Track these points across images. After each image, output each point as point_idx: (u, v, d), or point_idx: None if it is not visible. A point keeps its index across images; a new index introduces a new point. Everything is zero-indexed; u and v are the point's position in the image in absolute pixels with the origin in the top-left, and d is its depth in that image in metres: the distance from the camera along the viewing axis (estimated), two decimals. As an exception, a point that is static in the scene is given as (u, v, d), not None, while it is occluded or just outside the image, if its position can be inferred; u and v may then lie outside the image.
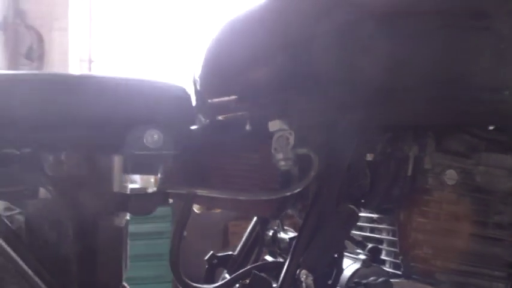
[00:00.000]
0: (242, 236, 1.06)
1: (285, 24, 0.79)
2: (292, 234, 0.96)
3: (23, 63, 3.87)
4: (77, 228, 0.70)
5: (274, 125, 0.73)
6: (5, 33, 3.84)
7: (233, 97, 0.75)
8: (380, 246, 0.93)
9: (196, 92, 0.79)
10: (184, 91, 0.76)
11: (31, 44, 3.88)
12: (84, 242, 0.70)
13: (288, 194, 0.78)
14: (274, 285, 0.74)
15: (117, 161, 0.73)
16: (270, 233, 1.01)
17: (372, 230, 0.98)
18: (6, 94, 0.65)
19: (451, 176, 0.82)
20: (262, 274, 0.74)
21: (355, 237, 0.97)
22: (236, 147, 0.79)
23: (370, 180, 0.86)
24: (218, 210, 0.97)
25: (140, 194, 0.77)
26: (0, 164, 0.69)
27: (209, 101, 0.78)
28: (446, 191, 0.82)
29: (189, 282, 0.78)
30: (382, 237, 0.93)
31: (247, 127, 0.76)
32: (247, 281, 0.74)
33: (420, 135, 0.84)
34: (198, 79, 0.79)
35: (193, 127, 0.79)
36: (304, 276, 0.68)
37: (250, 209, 0.86)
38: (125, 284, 0.83)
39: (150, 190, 0.77)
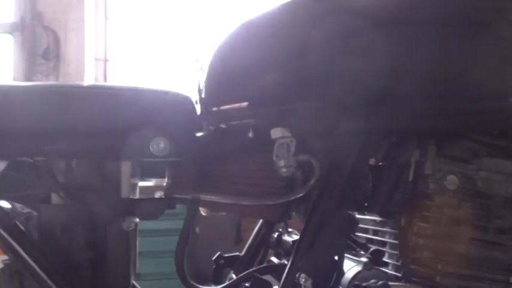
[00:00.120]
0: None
1: (286, 34, 0.80)
2: (295, 236, 0.98)
3: (39, 62, 3.94)
4: (87, 232, 0.73)
5: (276, 133, 0.75)
6: (22, 34, 3.92)
7: (244, 103, 0.77)
8: (383, 249, 0.95)
9: (201, 100, 0.81)
10: (189, 100, 0.79)
11: (48, 44, 3.95)
12: (93, 246, 0.74)
13: (291, 199, 0.80)
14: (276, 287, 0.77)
15: (125, 167, 0.77)
16: (276, 235, 1.03)
17: (376, 233, 0.99)
18: (20, 106, 0.69)
19: (451, 181, 0.83)
20: (263, 277, 0.76)
21: (358, 239, 0.99)
22: (240, 153, 0.82)
23: (373, 185, 0.87)
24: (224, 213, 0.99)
25: (147, 199, 0.80)
26: (16, 170, 0.73)
27: (215, 108, 0.80)
28: (447, 196, 0.83)
29: (194, 283, 0.81)
30: (385, 239, 0.95)
31: (250, 134, 0.78)
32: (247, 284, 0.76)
33: (421, 140, 0.85)
34: (203, 88, 0.81)
35: (198, 134, 0.81)
36: (303, 280, 0.70)
37: (255, 213, 0.88)
38: (134, 282, 0.87)
39: (157, 195, 0.80)
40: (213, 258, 1.06)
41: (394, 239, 0.91)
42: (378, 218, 0.95)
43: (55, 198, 0.74)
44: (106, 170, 0.75)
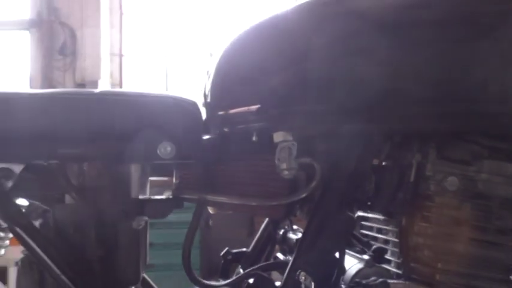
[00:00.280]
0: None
1: (291, 37, 0.82)
2: (300, 234, 1.01)
3: (56, 58, 4.02)
4: (98, 231, 0.77)
5: (278, 136, 0.78)
6: (39, 30, 4.00)
7: (248, 108, 0.79)
8: (386, 247, 0.97)
9: (207, 105, 0.84)
10: (194, 105, 0.82)
11: (64, 40, 4.02)
12: (105, 244, 0.78)
13: (293, 200, 0.83)
14: (279, 284, 0.80)
15: (134, 169, 0.81)
16: (281, 232, 1.07)
17: (380, 231, 1.01)
18: (34, 113, 0.73)
19: (452, 182, 0.84)
20: (266, 274, 0.80)
21: (361, 237, 1.01)
22: (245, 156, 0.84)
23: (375, 185, 0.89)
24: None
25: (156, 199, 0.84)
26: (31, 172, 0.77)
27: (220, 112, 0.83)
28: (447, 196, 0.84)
29: (201, 279, 0.85)
30: (388, 238, 0.97)
31: (254, 138, 0.81)
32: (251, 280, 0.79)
33: (423, 142, 0.86)
34: (208, 92, 0.84)
35: (205, 137, 0.84)
36: (303, 278, 0.73)
37: (260, 212, 0.91)
38: (144, 275, 0.91)
39: (165, 195, 0.84)
40: (221, 254, 1.10)
41: (396, 238, 0.93)
42: (381, 217, 0.97)
43: (68, 199, 0.79)
44: (116, 172, 0.79)
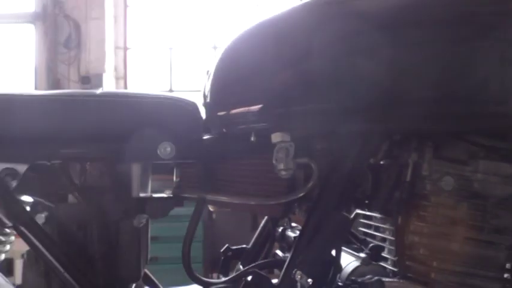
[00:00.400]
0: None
1: (292, 37, 0.83)
2: (298, 232, 1.02)
3: (61, 51, 4.04)
4: (100, 229, 0.79)
5: (276, 137, 0.79)
6: (44, 23, 4.02)
7: (257, 107, 0.80)
8: (383, 245, 0.98)
9: (206, 105, 0.85)
10: (194, 105, 0.84)
11: (69, 33, 4.03)
12: (106, 242, 0.80)
13: (291, 199, 0.84)
14: (275, 281, 0.82)
15: (135, 169, 0.82)
16: (280, 229, 1.08)
17: (377, 229, 1.03)
18: (37, 115, 0.75)
19: (447, 182, 0.86)
20: (263, 272, 0.81)
21: (359, 235, 1.03)
22: (244, 156, 0.86)
23: (372, 183, 0.90)
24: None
25: (157, 198, 0.86)
26: (35, 172, 0.80)
27: (219, 113, 0.84)
28: (443, 196, 0.85)
29: (199, 276, 0.87)
30: (386, 236, 0.98)
31: (253, 138, 0.83)
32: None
33: (419, 142, 0.87)
34: (208, 92, 0.85)
35: (205, 137, 0.86)
36: (299, 277, 0.75)
37: (259, 211, 0.93)
38: (145, 270, 0.93)
39: (166, 194, 0.86)
40: (221, 250, 1.12)
41: (393, 236, 0.94)
42: (379, 215, 0.99)
43: (71, 198, 0.81)
44: (117, 171, 0.81)
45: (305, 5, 0.84)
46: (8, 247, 0.96)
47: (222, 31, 4.28)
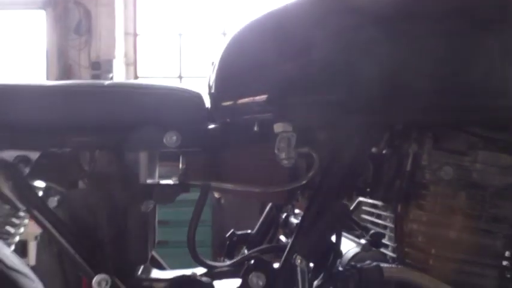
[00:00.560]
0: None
1: (295, 31, 0.84)
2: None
3: (72, 38, 4.06)
4: (109, 214, 0.83)
5: (278, 127, 0.81)
6: (54, 10, 4.04)
7: (263, 96, 0.82)
8: (383, 232, 1.01)
9: (210, 95, 0.88)
10: (199, 96, 0.86)
11: (79, 19, 4.05)
12: (115, 226, 0.83)
13: (293, 187, 0.87)
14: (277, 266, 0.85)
15: (142, 157, 0.86)
16: (284, 216, 1.11)
17: (379, 217, 1.05)
18: (50, 105, 0.78)
19: (447, 172, 0.87)
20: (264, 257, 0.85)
21: (360, 222, 1.05)
22: (247, 145, 0.88)
23: (374, 172, 0.93)
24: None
25: (163, 185, 0.89)
26: (47, 159, 0.83)
27: (224, 103, 0.86)
28: (442, 185, 0.87)
29: (204, 260, 0.90)
30: (386, 224, 1.01)
31: (256, 128, 0.85)
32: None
33: (420, 133, 0.89)
34: (213, 83, 0.87)
35: (210, 126, 0.88)
36: (299, 261, 0.78)
37: (263, 198, 0.96)
38: (153, 253, 0.97)
39: (172, 181, 0.89)
40: (227, 235, 1.15)
41: (393, 223, 0.97)
42: (380, 203, 1.01)
43: (81, 184, 0.84)
44: (125, 159, 0.84)
45: None
46: (22, 230, 1.00)
47: (232, 17, 4.28)
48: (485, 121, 0.85)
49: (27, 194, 0.80)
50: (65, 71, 4.03)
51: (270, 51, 0.83)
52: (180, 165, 0.90)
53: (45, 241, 0.87)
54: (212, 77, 0.87)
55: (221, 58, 0.87)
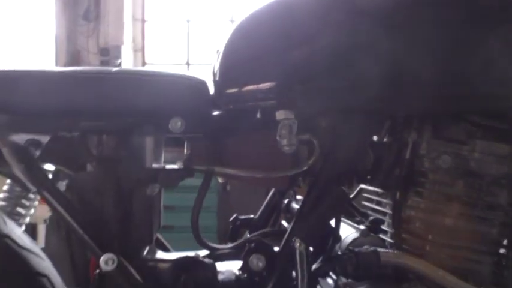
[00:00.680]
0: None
1: (296, 19, 0.85)
2: (302, 204, 1.07)
3: (80, 24, 4.09)
4: (116, 196, 0.86)
5: (280, 115, 0.83)
6: (63, -4, 4.05)
7: (267, 84, 0.83)
8: (383, 218, 1.03)
9: (215, 83, 0.90)
10: (203, 83, 0.88)
11: (88, 5, 4.07)
12: (121, 208, 0.87)
13: (295, 173, 0.89)
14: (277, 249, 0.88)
15: (148, 142, 0.88)
16: (286, 201, 1.14)
17: (379, 203, 1.07)
18: (60, 90, 0.81)
19: (445, 160, 0.89)
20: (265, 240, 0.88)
21: (360, 208, 1.08)
22: (250, 131, 0.91)
23: (374, 160, 0.95)
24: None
25: (168, 169, 0.92)
26: (57, 142, 0.86)
27: (228, 90, 0.88)
28: (440, 174, 0.89)
29: (207, 242, 0.93)
30: (386, 210, 1.03)
31: (258, 115, 0.87)
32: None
33: (420, 122, 0.91)
34: (217, 70, 0.89)
35: (214, 113, 0.91)
36: (298, 244, 0.80)
37: (265, 183, 0.98)
38: (158, 235, 1.00)
39: (177, 166, 0.92)
40: (230, 220, 1.18)
41: (392, 210, 0.99)
42: (380, 190, 1.03)
43: (89, 167, 0.87)
44: (132, 143, 0.87)
45: None
46: (32, 211, 1.04)
47: (240, 4, 4.27)
48: (485, 110, 0.87)
49: (38, 176, 0.83)
50: (74, 57, 4.06)
51: (275, 39, 0.84)
52: (185, 151, 0.93)
53: (53, 224, 0.90)
54: (217, 64, 0.89)
55: (226, 46, 0.88)
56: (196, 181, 0.92)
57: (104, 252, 0.81)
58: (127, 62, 4.22)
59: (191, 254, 0.92)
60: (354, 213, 1.08)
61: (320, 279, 0.94)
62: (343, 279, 0.87)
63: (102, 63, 4.00)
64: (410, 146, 0.91)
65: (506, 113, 0.88)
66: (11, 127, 0.82)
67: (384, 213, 1.03)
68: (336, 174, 0.89)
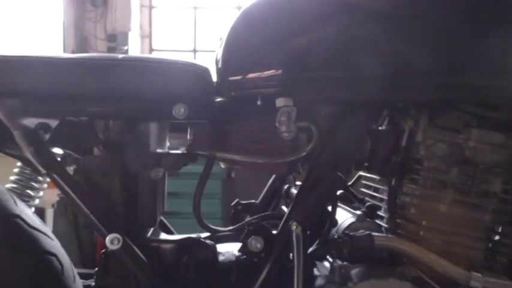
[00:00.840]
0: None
1: (300, 8, 0.87)
2: (300, 189, 1.10)
3: (88, 9, 4.11)
4: (121, 179, 0.90)
5: (279, 102, 0.86)
6: (72, -19, 4.07)
7: (269, 72, 0.84)
8: (379, 204, 1.06)
9: (218, 70, 0.92)
10: (206, 71, 0.91)
11: (96, -10, 4.08)
12: (126, 190, 0.90)
13: (294, 158, 0.92)
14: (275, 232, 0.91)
15: (152, 127, 0.92)
16: (286, 187, 1.17)
17: (376, 190, 1.10)
18: (68, 76, 0.85)
19: (440, 148, 0.92)
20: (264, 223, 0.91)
21: (357, 194, 1.10)
22: (251, 118, 0.93)
23: (371, 147, 0.97)
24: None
25: (172, 154, 0.95)
26: (65, 127, 0.90)
27: (230, 78, 0.91)
28: (435, 161, 0.91)
29: (209, 225, 0.97)
30: (383, 197, 1.05)
31: (259, 102, 0.90)
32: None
33: (416, 110, 0.93)
34: (220, 58, 0.92)
35: (217, 100, 0.94)
36: (294, 227, 0.84)
37: (265, 168, 1.01)
38: (162, 218, 1.04)
39: (181, 150, 0.95)
40: (232, 204, 1.22)
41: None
42: (377, 177, 1.06)
43: (96, 151, 0.91)
44: (137, 128, 0.91)
45: None
46: (41, 193, 1.08)
47: (247, -8, 4.25)
48: (479, 100, 0.89)
49: (47, 158, 0.86)
50: (81, 43, 4.08)
51: (277, 28, 0.86)
52: (188, 136, 0.96)
53: (61, 209, 0.94)
54: (220, 52, 0.92)
55: (229, 34, 0.90)
56: (200, 168, 0.95)
57: (109, 232, 0.84)
58: (134, 48, 4.24)
59: (193, 235, 0.95)
60: (351, 199, 1.11)
61: (317, 263, 0.97)
62: (339, 262, 0.90)
63: (110, 49, 4.03)
64: (406, 134, 0.93)
65: (500, 103, 0.90)
66: (22, 111, 0.85)
67: (381, 200, 1.05)
68: (333, 160, 0.91)
